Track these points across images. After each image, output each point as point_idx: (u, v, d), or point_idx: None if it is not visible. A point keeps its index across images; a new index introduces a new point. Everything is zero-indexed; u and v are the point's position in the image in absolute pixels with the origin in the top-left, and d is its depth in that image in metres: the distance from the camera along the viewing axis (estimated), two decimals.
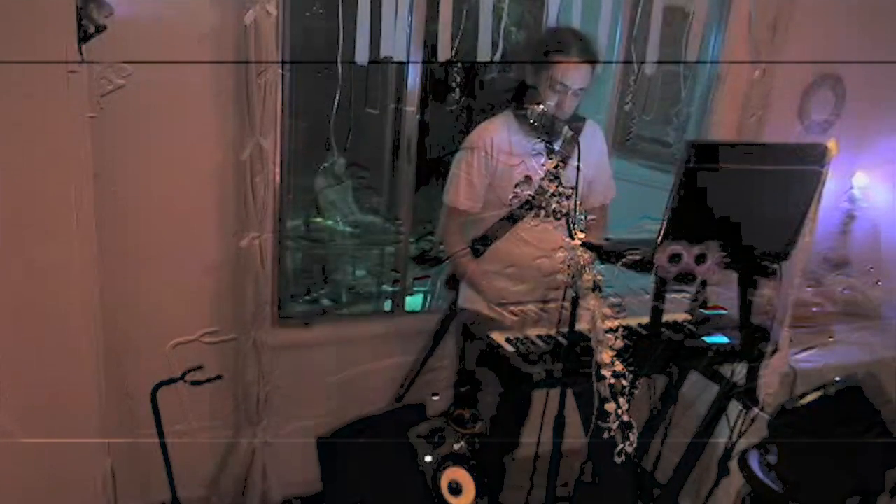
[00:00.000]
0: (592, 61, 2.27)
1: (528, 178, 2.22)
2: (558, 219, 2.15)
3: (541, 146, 2.28)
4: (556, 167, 1.87)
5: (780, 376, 2.06)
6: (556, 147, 2.32)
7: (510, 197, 2.26)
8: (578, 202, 1.80)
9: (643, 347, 1.91)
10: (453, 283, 2.61)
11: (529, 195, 2.17)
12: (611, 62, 2.94)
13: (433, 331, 2.77)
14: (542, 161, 2.25)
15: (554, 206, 1.79)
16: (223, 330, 2.56)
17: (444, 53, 2.64)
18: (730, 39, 3.06)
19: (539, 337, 2.09)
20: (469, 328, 2.47)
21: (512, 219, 2.36)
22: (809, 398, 2.36)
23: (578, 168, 1.92)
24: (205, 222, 2.46)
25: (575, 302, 1.78)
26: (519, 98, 2.36)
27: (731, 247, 1.81)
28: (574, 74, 2.22)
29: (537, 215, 2.31)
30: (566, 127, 2.25)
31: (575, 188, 1.80)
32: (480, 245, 2.41)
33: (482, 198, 2.36)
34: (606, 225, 2.58)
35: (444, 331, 2.73)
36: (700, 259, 1.78)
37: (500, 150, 2.31)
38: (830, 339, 2.98)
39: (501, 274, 2.39)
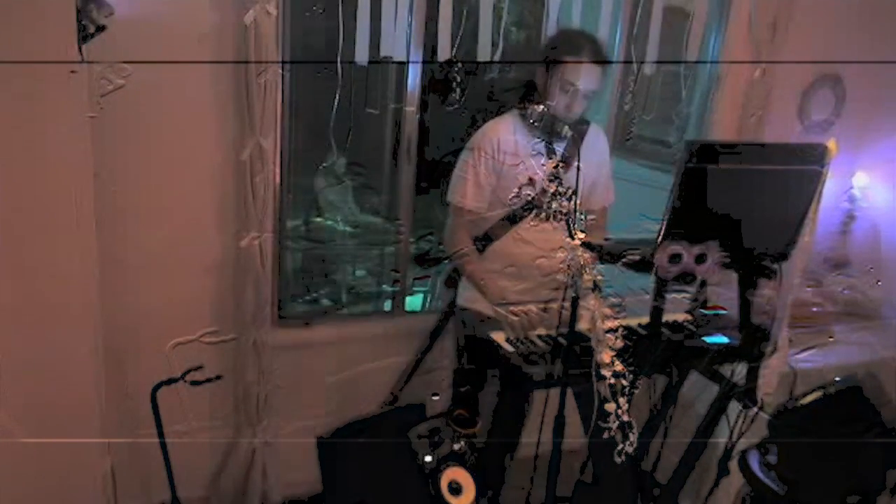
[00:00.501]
0: (603, 61, 2.27)
1: (531, 181, 2.21)
2: (558, 220, 2.15)
3: (543, 147, 2.29)
4: (556, 167, 1.86)
5: (779, 376, 2.07)
6: (560, 148, 2.32)
7: (511, 196, 2.26)
8: (578, 202, 1.79)
9: (643, 347, 1.91)
10: (452, 281, 2.60)
11: (530, 195, 2.17)
12: (611, 62, 2.93)
13: (431, 329, 2.76)
14: (544, 161, 2.25)
15: (554, 206, 1.79)
16: (223, 330, 2.56)
17: (443, 53, 2.64)
18: (730, 39, 3.06)
19: (539, 337, 2.09)
20: (469, 328, 2.47)
21: (512, 219, 2.36)
22: (809, 398, 2.36)
23: (578, 168, 1.92)
24: (205, 222, 2.46)
25: (575, 302, 1.78)
26: (525, 98, 2.35)
27: (731, 247, 1.81)
28: (585, 75, 2.22)
29: (538, 215, 2.32)
30: (566, 127, 2.25)
31: (575, 188, 1.80)
32: (480, 245, 2.41)
33: (489, 198, 2.35)
34: (605, 226, 2.58)
35: (442, 328, 2.72)
36: (700, 259, 1.78)
37: (506, 150, 2.31)
38: (830, 339, 2.98)
39: (501, 274, 2.39)
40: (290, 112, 2.53)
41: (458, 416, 2.35)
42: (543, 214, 2.33)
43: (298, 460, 2.62)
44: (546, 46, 2.41)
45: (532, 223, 2.33)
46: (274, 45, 2.29)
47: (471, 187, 2.33)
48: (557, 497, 1.95)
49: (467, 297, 2.47)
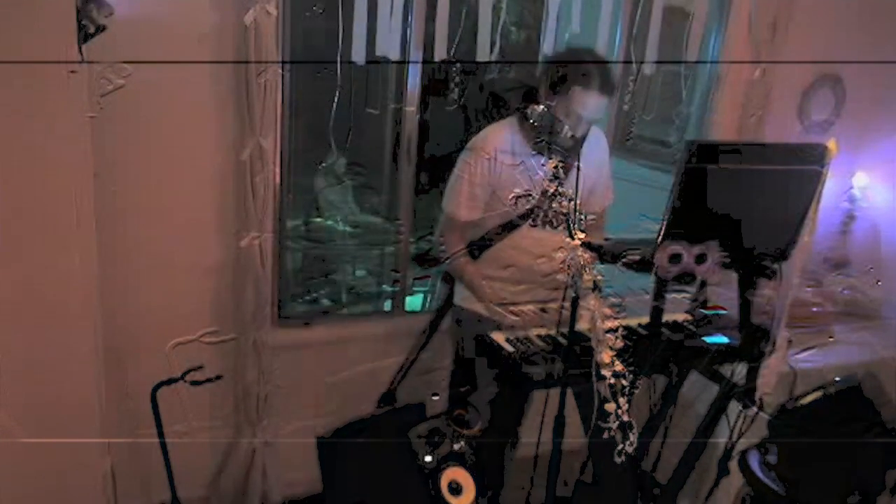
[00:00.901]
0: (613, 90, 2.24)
1: (528, 193, 2.19)
2: (555, 226, 2.14)
3: (543, 149, 2.28)
4: (556, 167, 1.86)
5: (778, 376, 2.06)
6: (559, 149, 2.31)
7: (510, 197, 2.25)
8: (578, 202, 1.79)
9: (643, 347, 1.91)
10: (449, 277, 2.60)
11: (530, 195, 2.17)
12: (611, 62, 2.93)
13: (428, 325, 2.75)
14: (544, 161, 2.25)
15: (554, 206, 1.79)
16: (223, 330, 2.56)
17: (440, 53, 2.63)
18: (730, 39, 3.06)
19: (539, 337, 2.09)
20: (467, 327, 2.47)
21: (510, 225, 2.34)
22: (809, 398, 2.36)
23: (578, 168, 1.92)
24: (205, 222, 2.46)
25: (575, 302, 1.78)
26: (525, 104, 2.33)
27: (731, 247, 1.81)
28: (593, 107, 2.19)
29: (536, 217, 2.31)
30: (566, 127, 2.24)
31: (575, 189, 1.80)
32: (479, 246, 2.40)
33: (483, 205, 2.34)
34: (604, 227, 2.58)
35: (438, 324, 2.71)
36: (700, 259, 1.78)
37: (503, 159, 2.28)
38: (830, 339, 2.98)
39: (500, 274, 2.39)
40: (290, 112, 2.53)
41: (458, 416, 2.35)
42: (540, 221, 2.32)
43: (298, 460, 2.62)
44: (554, 66, 2.30)
45: (530, 227, 2.32)
46: (274, 45, 2.29)
47: (465, 197, 2.31)
48: (557, 497, 1.95)
49: (466, 295, 2.46)
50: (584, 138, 2.37)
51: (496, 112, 2.48)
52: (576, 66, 2.25)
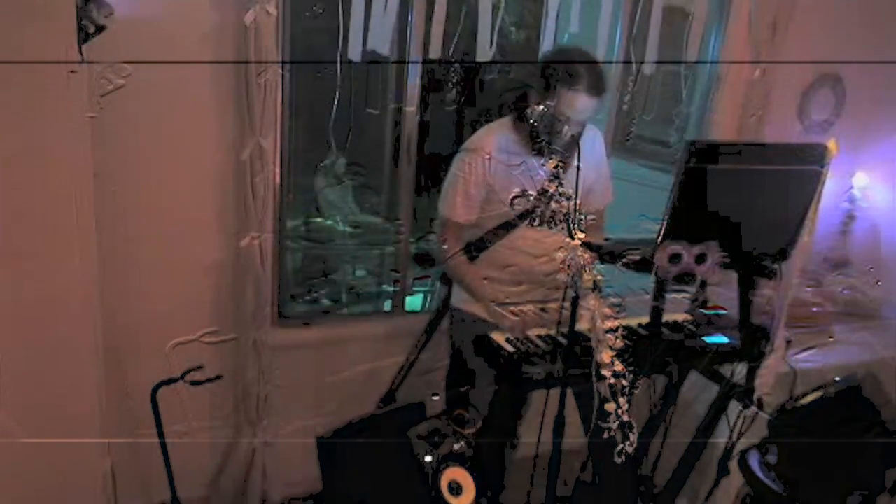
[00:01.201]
0: (601, 91, 2.20)
1: (525, 193, 2.19)
2: (553, 227, 2.13)
3: (541, 149, 2.27)
4: (556, 167, 1.86)
5: (776, 376, 2.07)
6: (557, 148, 2.31)
7: (510, 198, 2.25)
8: (578, 202, 1.79)
9: (643, 347, 1.91)
10: (447, 278, 2.60)
11: (529, 196, 2.16)
12: (611, 62, 2.93)
13: (427, 325, 2.75)
14: (543, 161, 2.24)
15: (553, 206, 1.79)
16: (223, 330, 2.56)
17: (435, 52, 2.62)
18: (730, 39, 3.06)
19: (539, 337, 2.09)
20: (465, 328, 2.46)
21: (510, 224, 2.34)
22: (809, 398, 2.36)
23: (578, 168, 1.92)
24: (205, 222, 2.46)
25: (575, 302, 1.78)
26: (521, 105, 2.32)
27: (731, 247, 1.81)
28: (581, 108, 2.16)
29: (535, 217, 2.31)
30: (566, 127, 2.24)
31: (575, 188, 1.80)
32: (478, 247, 2.40)
33: (479, 206, 2.33)
34: (603, 227, 2.57)
35: (437, 325, 2.70)
36: (700, 259, 1.78)
37: (500, 157, 2.28)
38: (830, 339, 2.98)
39: (501, 275, 2.39)
40: (290, 112, 2.53)
41: (457, 415, 2.35)
42: (538, 221, 2.32)
43: (298, 460, 2.62)
44: (542, 67, 2.27)
45: (528, 227, 2.32)
46: (274, 45, 2.29)
47: (461, 199, 2.30)
48: (557, 497, 1.95)
49: (464, 297, 2.46)
50: (579, 136, 2.37)
51: (495, 112, 2.48)
52: (563, 67, 2.21)
